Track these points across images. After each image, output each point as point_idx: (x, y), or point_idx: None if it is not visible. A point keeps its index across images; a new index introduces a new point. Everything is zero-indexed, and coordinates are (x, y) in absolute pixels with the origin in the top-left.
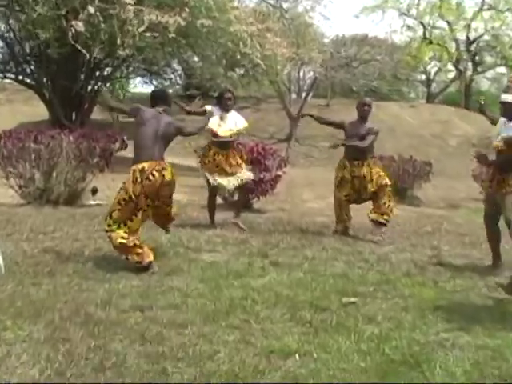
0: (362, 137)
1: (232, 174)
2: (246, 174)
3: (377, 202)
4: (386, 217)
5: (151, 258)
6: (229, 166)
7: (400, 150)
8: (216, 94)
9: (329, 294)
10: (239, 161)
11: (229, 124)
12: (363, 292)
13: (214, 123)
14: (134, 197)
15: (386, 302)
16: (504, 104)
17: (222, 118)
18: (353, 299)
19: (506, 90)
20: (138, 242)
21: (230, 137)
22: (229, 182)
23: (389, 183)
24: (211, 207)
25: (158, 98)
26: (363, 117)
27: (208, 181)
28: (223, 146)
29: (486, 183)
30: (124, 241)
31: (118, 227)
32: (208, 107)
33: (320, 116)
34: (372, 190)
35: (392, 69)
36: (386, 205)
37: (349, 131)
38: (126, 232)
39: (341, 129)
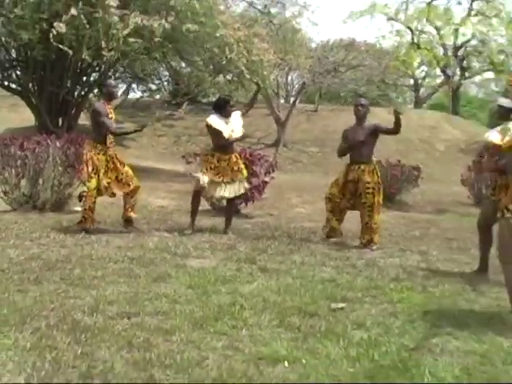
0: (364, 140)
1: (233, 181)
2: (244, 186)
3: (365, 221)
4: (376, 238)
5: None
6: (230, 170)
7: (388, 155)
8: (204, 100)
9: (317, 299)
10: (241, 166)
11: (236, 127)
12: (352, 297)
13: (225, 129)
14: None
15: (375, 307)
16: (500, 107)
17: (228, 123)
18: (341, 305)
19: (505, 94)
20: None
21: (235, 140)
22: (228, 193)
23: (380, 203)
24: (194, 210)
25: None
26: (359, 118)
27: (197, 180)
28: (227, 150)
29: (489, 190)
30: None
31: None
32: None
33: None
34: (364, 200)
35: (380, 74)
36: (375, 225)
37: (349, 137)
38: None
39: (346, 142)
